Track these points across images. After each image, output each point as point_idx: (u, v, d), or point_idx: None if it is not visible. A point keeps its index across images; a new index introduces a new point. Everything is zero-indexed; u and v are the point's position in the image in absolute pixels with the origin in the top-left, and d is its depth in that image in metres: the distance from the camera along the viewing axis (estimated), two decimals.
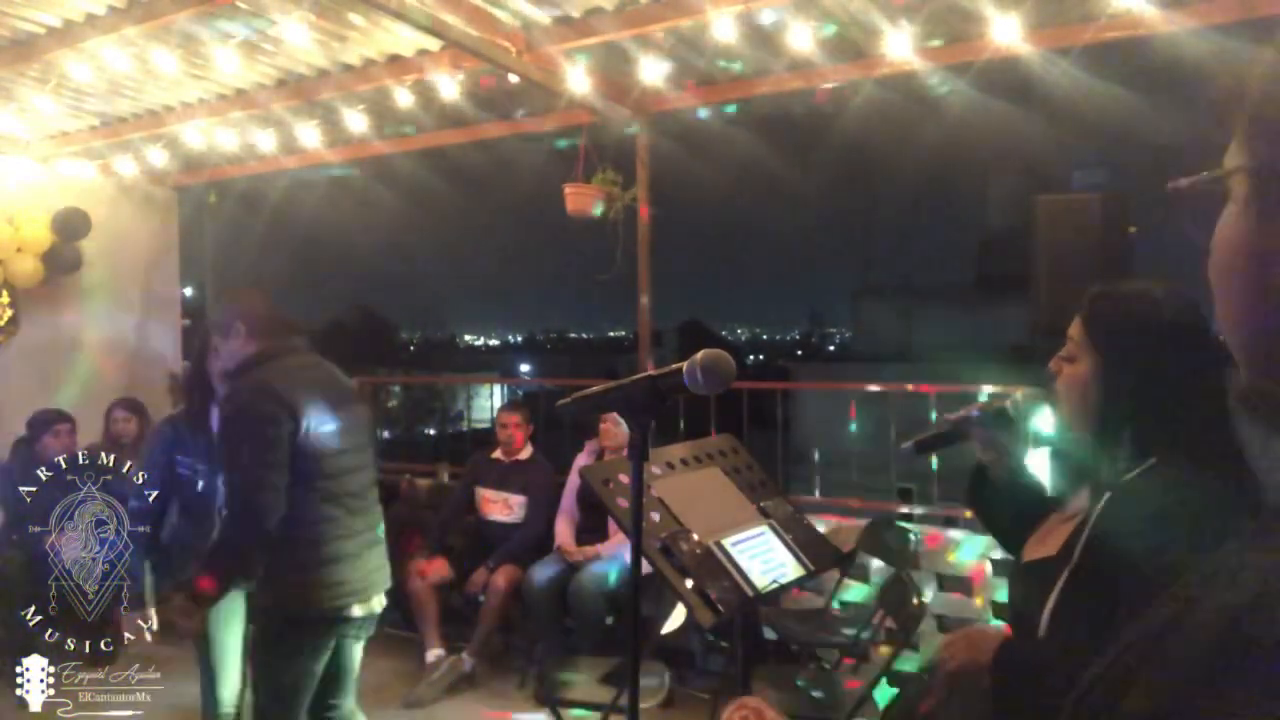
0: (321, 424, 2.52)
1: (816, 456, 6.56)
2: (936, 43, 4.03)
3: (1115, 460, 1.39)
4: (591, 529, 4.58)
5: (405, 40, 4.34)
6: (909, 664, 3.87)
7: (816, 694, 3.39)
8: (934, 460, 4.70)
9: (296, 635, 2.52)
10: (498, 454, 4.94)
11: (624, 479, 1.75)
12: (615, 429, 4.52)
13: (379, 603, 2.69)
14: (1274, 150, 0.54)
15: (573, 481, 4.72)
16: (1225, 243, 0.56)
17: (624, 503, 1.69)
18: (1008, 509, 1.62)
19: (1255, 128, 0.55)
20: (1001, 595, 4.10)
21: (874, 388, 5.60)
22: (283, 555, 2.48)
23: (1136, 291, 1.44)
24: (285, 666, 2.51)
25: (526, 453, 4.91)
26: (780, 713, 1.53)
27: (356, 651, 2.74)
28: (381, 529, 2.74)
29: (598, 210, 4.94)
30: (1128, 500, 1.32)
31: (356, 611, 2.58)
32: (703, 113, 4.97)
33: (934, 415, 4.90)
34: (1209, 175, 0.56)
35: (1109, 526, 1.33)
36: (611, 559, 4.36)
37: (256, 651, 2.63)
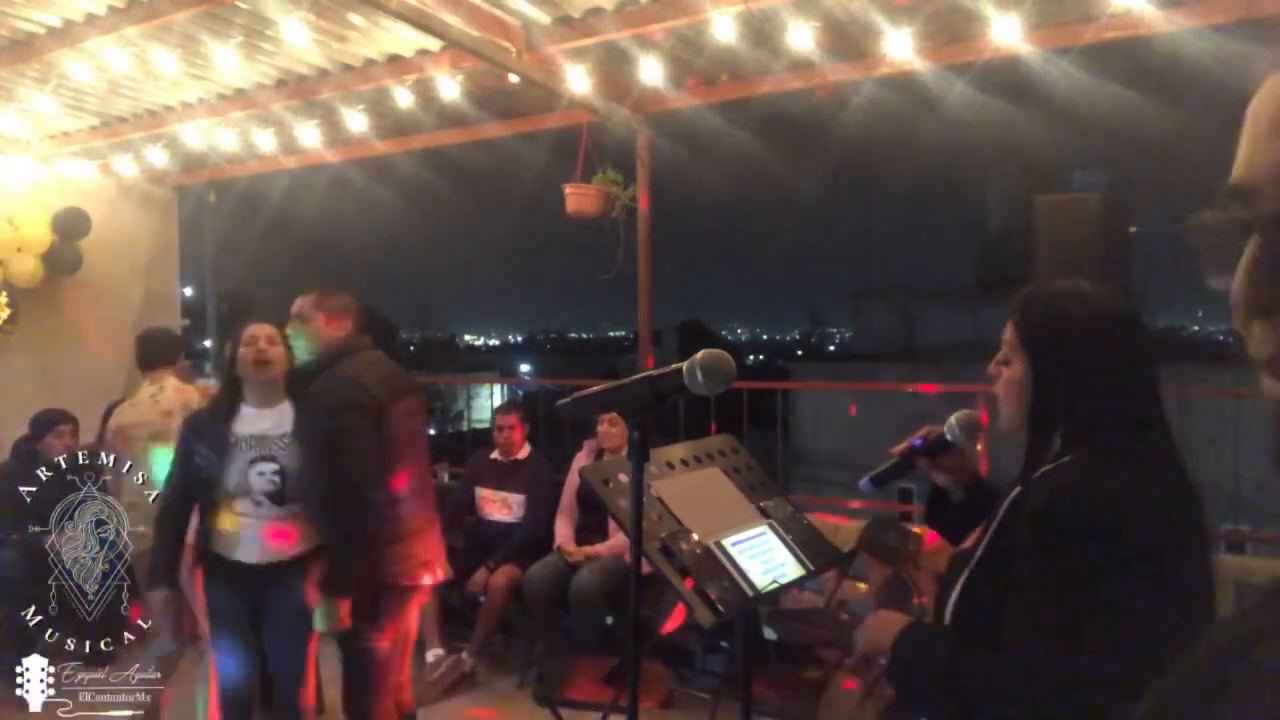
0: (395, 415, 2.81)
1: (815, 458, 6.56)
2: (936, 42, 4.03)
3: (1041, 460, 1.40)
4: (591, 529, 4.58)
5: (405, 40, 4.34)
6: None
7: (820, 696, 3.39)
8: None
9: (385, 605, 2.78)
10: (496, 454, 4.94)
11: (624, 479, 1.75)
12: (612, 429, 4.52)
13: (444, 571, 3.03)
14: None
15: (572, 480, 4.72)
16: (1257, 272, 0.51)
17: (624, 503, 1.69)
18: (965, 523, 1.63)
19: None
20: None
21: (873, 387, 5.61)
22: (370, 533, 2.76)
23: (1063, 290, 1.43)
24: (379, 635, 2.78)
25: (524, 452, 4.91)
26: None
27: (415, 618, 3.03)
28: (435, 507, 3.05)
29: (597, 210, 4.94)
30: (1034, 493, 1.33)
31: (427, 580, 2.90)
32: (703, 113, 4.97)
33: (934, 413, 4.90)
34: (1233, 215, 0.51)
35: (1011, 519, 1.35)
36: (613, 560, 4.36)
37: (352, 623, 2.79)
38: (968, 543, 1.49)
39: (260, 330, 2.97)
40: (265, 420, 2.94)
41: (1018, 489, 1.38)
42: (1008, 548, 1.32)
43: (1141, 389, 1.35)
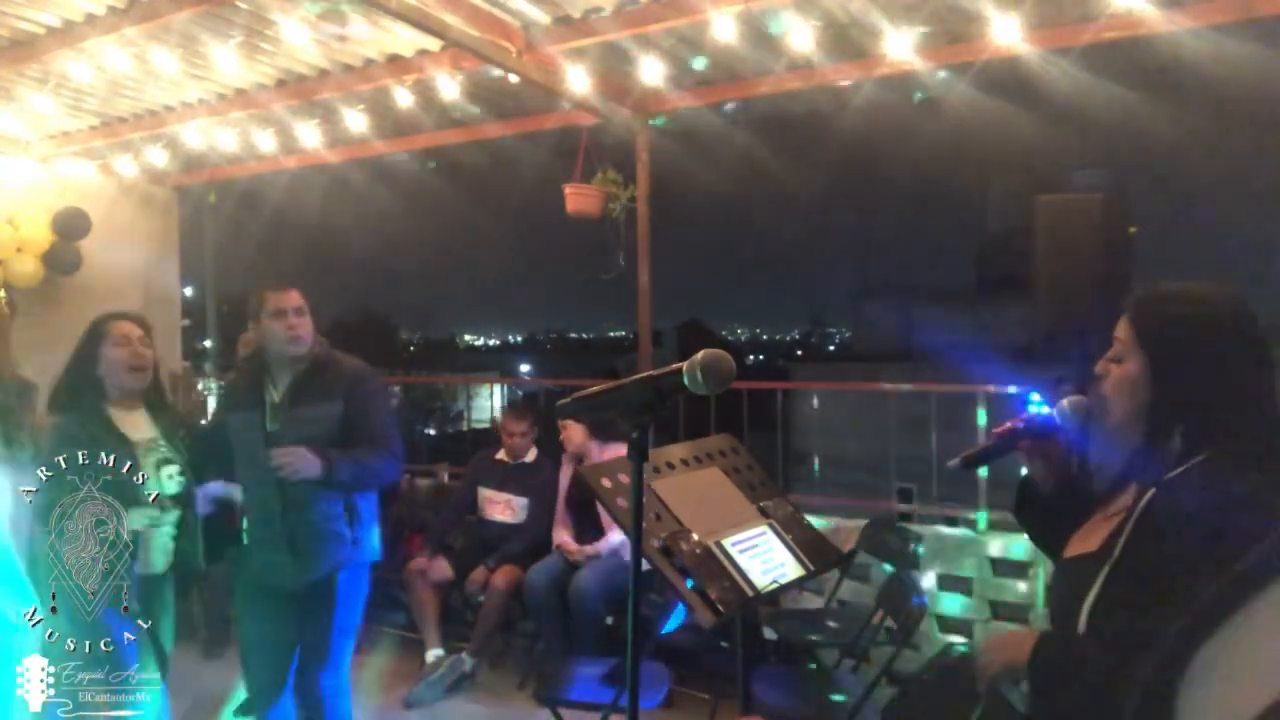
0: None
1: (816, 461, 6.56)
2: (936, 42, 4.03)
3: (1164, 459, 1.38)
4: (583, 530, 4.58)
5: (405, 40, 4.34)
6: (909, 664, 3.87)
7: (820, 695, 3.39)
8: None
9: (367, 580, 3.02)
10: (501, 455, 4.92)
11: (624, 479, 1.75)
12: (569, 432, 4.58)
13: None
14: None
15: (563, 483, 4.73)
16: None
17: (624, 503, 1.69)
18: (1054, 518, 1.61)
19: None
20: (1007, 595, 4.10)
21: (873, 387, 5.60)
22: (371, 509, 3.01)
23: (1183, 290, 1.43)
24: (361, 606, 2.99)
25: (532, 455, 4.90)
26: None
27: None
28: None
29: (597, 210, 4.94)
30: (1172, 497, 1.31)
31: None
32: (704, 112, 4.97)
33: (932, 413, 4.91)
34: None
35: (1152, 523, 1.32)
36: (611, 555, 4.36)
37: (346, 600, 2.96)
38: (1088, 544, 1.45)
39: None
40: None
41: (1151, 490, 1.35)
42: (1154, 550, 1.28)
43: (1261, 388, 1.34)
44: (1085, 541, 1.47)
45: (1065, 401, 1.62)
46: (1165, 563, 1.25)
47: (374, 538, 3.05)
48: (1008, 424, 1.68)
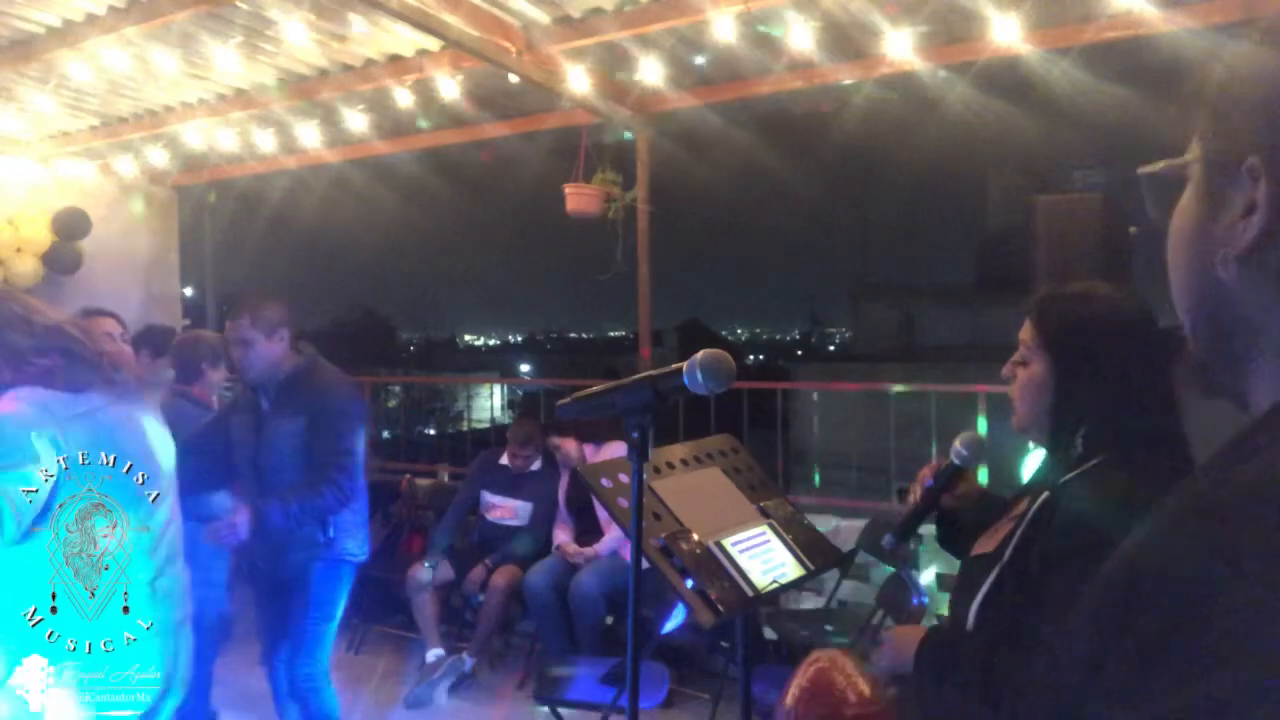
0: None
1: (816, 461, 6.56)
2: (936, 42, 4.03)
3: (1065, 461, 1.39)
4: (583, 531, 4.58)
5: (405, 40, 4.34)
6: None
7: None
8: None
9: (348, 577, 3.09)
10: (505, 461, 4.90)
11: (624, 479, 1.75)
12: (564, 450, 4.60)
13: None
14: (1222, 142, 0.58)
15: (562, 484, 4.73)
16: (1177, 227, 0.61)
17: (624, 502, 1.69)
18: (973, 532, 1.63)
19: (1208, 121, 0.59)
20: None
21: (874, 387, 5.60)
22: (354, 516, 3.07)
23: (1084, 292, 1.45)
24: (339, 601, 3.07)
25: (537, 464, 4.89)
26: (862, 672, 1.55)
27: None
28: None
29: (597, 210, 4.94)
30: (1062, 499, 1.32)
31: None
32: (705, 112, 4.97)
33: (934, 413, 4.90)
34: (1172, 162, 0.61)
35: (1040, 525, 1.34)
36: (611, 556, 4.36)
37: (320, 591, 3.04)
38: (988, 544, 1.47)
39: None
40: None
41: (1045, 493, 1.37)
42: (1039, 551, 1.30)
43: (1162, 391, 1.35)
44: (986, 542, 1.49)
45: (957, 441, 1.69)
46: (1048, 564, 1.27)
47: (358, 541, 3.12)
48: (917, 487, 1.72)
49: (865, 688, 1.51)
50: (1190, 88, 0.61)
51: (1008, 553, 1.37)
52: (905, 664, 1.43)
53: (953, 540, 1.76)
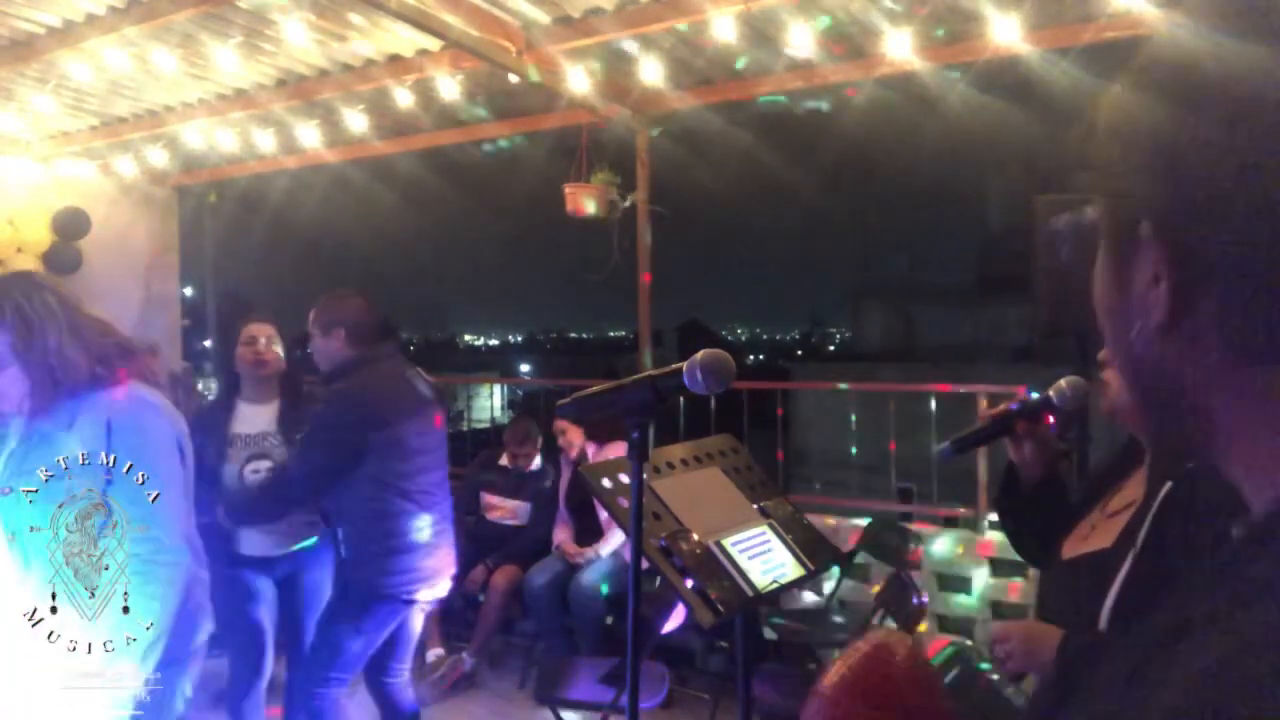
0: (401, 430, 2.82)
1: (815, 462, 6.55)
2: (937, 42, 4.03)
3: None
4: (583, 531, 4.58)
5: (405, 40, 4.34)
6: None
7: None
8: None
9: (369, 611, 2.83)
10: (505, 461, 4.90)
11: (624, 479, 1.75)
12: (568, 435, 4.59)
13: (444, 587, 3.01)
14: (1115, 204, 0.51)
15: (563, 484, 4.73)
16: (1096, 295, 0.55)
17: (624, 502, 1.69)
18: (1035, 511, 1.59)
19: (1098, 180, 0.52)
20: (1006, 595, 4.10)
21: (874, 387, 5.59)
22: (368, 542, 2.81)
23: None
24: (353, 635, 2.84)
25: (536, 463, 4.90)
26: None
27: (419, 623, 3.09)
28: (450, 520, 3.03)
29: (597, 210, 4.94)
30: (1195, 485, 1.27)
31: (422, 595, 2.90)
32: (705, 112, 4.97)
33: (934, 412, 4.90)
34: (1076, 217, 0.55)
35: (1168, 513, 1.29)
36: (611, 557, 4.36)
37: (332, 618, 2.91)
38: (1098, 540, 1.41)
39: (261, 329, 3.06)
40: (260, 418, 3.11)
41: (1169, 484, 1.31)
42: (1175, 545, 1.25)
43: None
44: (1089, 540, 1.45)
45: (1064, 381, 1.59)
46: (1195, 550, 1.22)
47: (387, 577, 3.12)
48: (1002, 405, 1.66)
49: (928, 681, 1.38)
50: (1076, 140, 0.54)
51: (1140, 542, 1.30)
52: (1038, 664, 1.36)
53: (1011, 501, 1.68)
